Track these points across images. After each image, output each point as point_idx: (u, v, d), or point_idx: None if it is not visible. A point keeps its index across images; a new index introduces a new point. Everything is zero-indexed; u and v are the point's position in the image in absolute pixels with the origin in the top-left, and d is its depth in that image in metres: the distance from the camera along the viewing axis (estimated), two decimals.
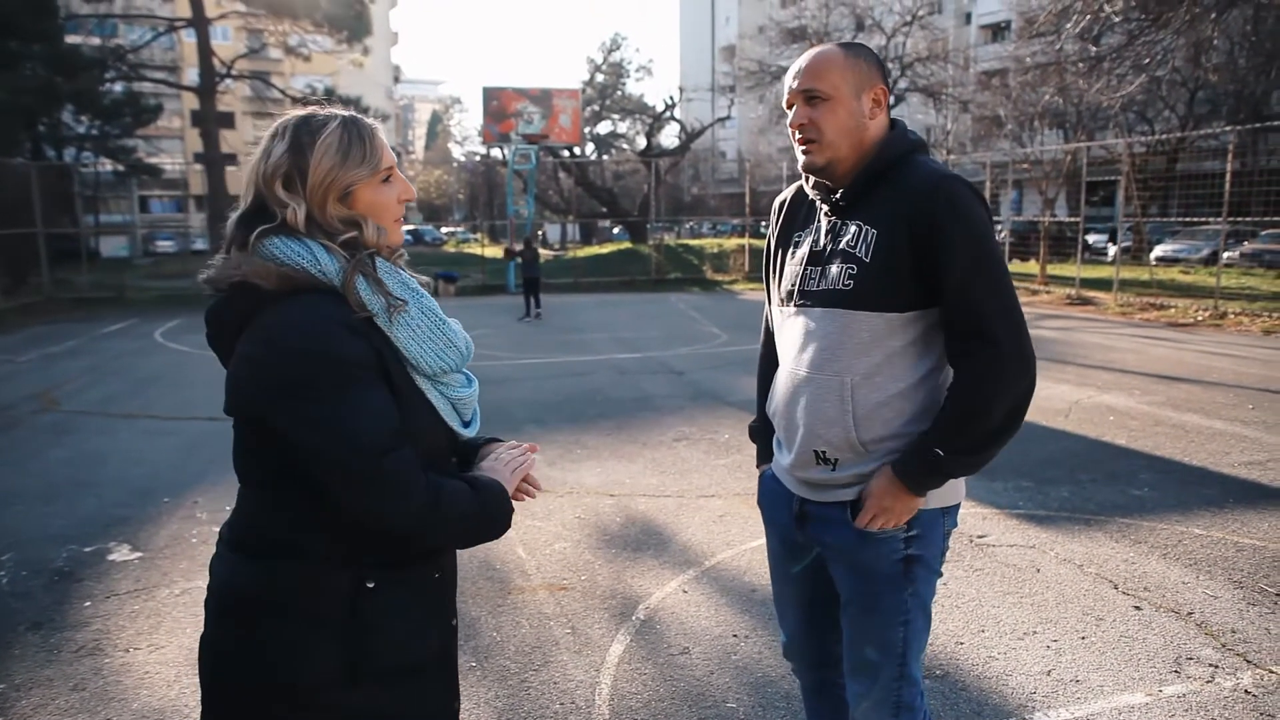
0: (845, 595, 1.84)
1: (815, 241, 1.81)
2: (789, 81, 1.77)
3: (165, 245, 41.11)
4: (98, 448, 6.39)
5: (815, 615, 1.98)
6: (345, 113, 1.37)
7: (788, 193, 1.95)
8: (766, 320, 2.06)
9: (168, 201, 52.42)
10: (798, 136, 1.75)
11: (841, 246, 1.74)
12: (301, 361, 1.23)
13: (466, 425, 1.44)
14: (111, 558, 4.21)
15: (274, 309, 1.26)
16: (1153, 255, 22.51)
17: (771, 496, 1.98)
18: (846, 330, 1.72)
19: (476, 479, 1.39)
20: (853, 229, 1.73)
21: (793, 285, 1.84)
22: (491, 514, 1.37)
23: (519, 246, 18.03)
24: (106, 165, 33.21)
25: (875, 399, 1.72)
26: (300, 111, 1.36)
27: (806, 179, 1.84)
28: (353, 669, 1.30)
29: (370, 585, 1.31)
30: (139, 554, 4.24)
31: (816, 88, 1.71)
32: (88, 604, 3.70)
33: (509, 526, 1.41)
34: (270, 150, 1.32)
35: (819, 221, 1.82)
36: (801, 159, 1.77)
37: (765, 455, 2.06)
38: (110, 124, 30.79)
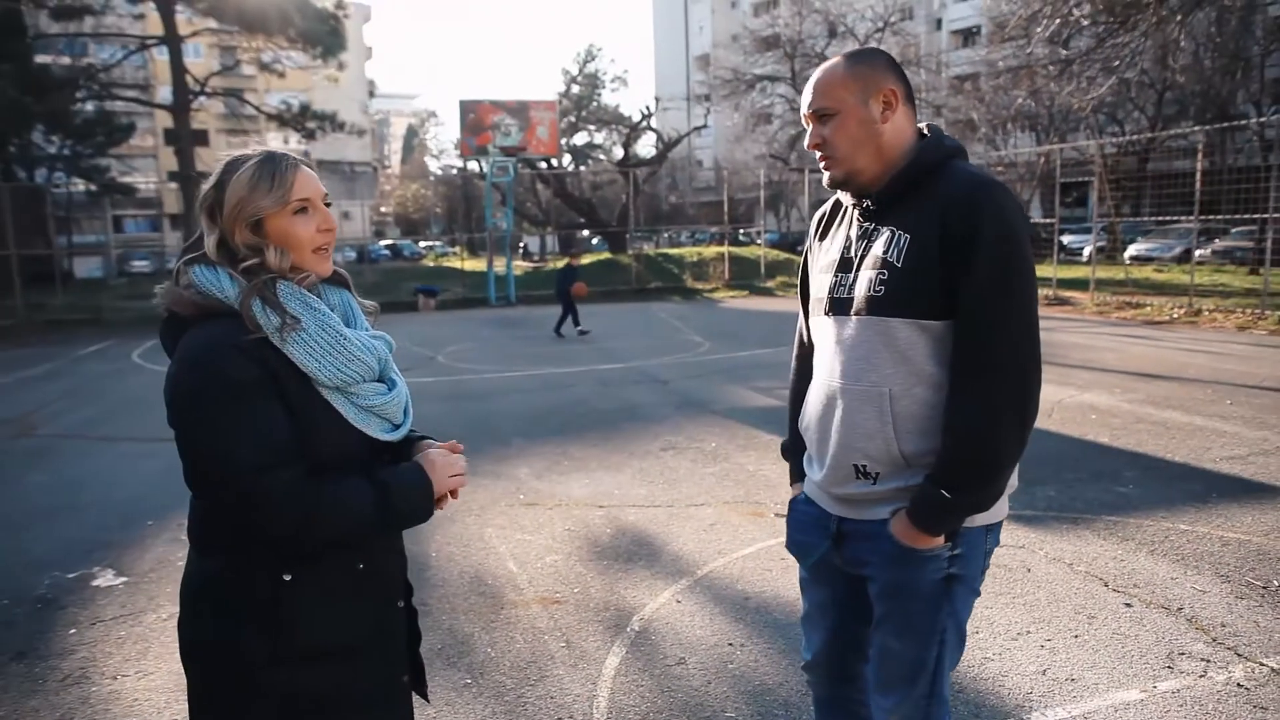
0: (881, 612, 1.78)
1: (846, 248, 1.77)
2: (802, 105, 1.76)
3: (140, 265, 40.60)
4: (78, 472, 6.30)
5: (843, 635, 1.93)
6: (270, 151, 1.50)
7: (827, 205, 1.93)
8: (800, 334, 2.01)
9: (142, 221, 51.93)
10: (817, 155, 1.75)
11: (873, 252, 1.70)
12: (191, 380, 1.38)
13: (397, 428, 1.56)
14: (96, 583, 4.14)
15: (188, 334, 1.42)
16: (1127, 254, 22.80)
17: (804, 519, 1.91)
18: (882, 337, 1.67)
19: (387, 480, 1.47)
20: (885, 234, 1.69)
21: (823, 293, 1.80)
22: (399, 510, 1.47)
23: (566, 260, 16.26)
24: (79, 185, 32.87)
25: (915, 409, 1.67)
26: (236, 153, 1.50)
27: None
28: (279, 655, 1.43)
29: (287, 578, 1.43)
30: (124, 579, 4.18)
31: (824, 105, 1.70)
32: (72, 631, 3.64)
33: (430, 515, 1.53)
34: (204, 187, 1.49)
35: (851, 228, 1.79)
36: (825, 176, 1.76)
37: (798, 475, 1.98)
38: (82, 144, 30.47)
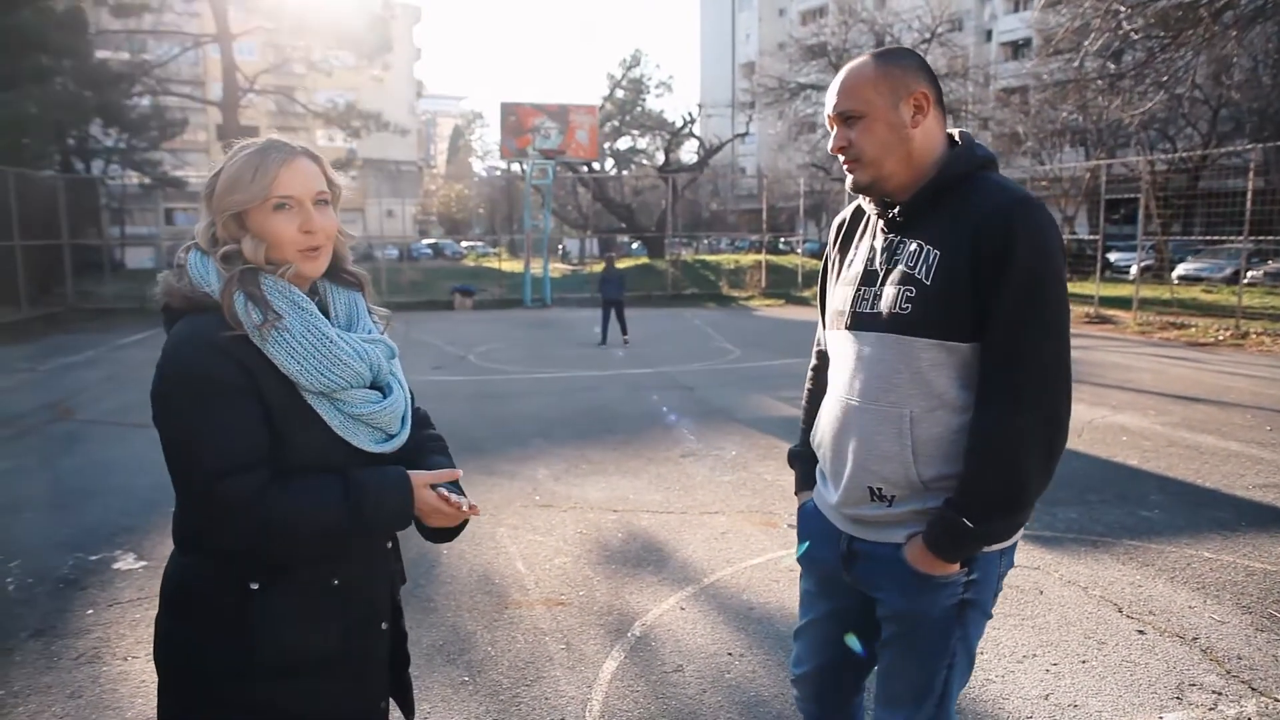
0: (889, 633, 1.73)
1: (869, 260, 1.70)
2: (826, 105, 1.70)
3: None
4: (109, 457, 6.46)
5: (839, 657, 1.88)
6: (274, 139, 1.45)
7: (846, 211, 1.87)
8: (818, 343, 1.97)
9: (192, 214, 53.06)
10: (841, 158, 1.68)
11: (899, 267, 1.62)
12: (167, 377, 1.35)
13: (391, 438, 1.48)
14: (116, 566, 4.24)
15: (175, 326, 1.39)
16: (1175, 274, 22.27)
17: (815, 531, 1.86)
18: (904, 358, 1.60)
19: (365, 484, 1.39)
20: (912, 248, 1.62)
21: (844, 306, 1.73)
22: (373, 516, 1.39)
23: (603, 266, 15.68)
24: (133, 178, 33.71)
25: (936, 433, 1.60)
26: (246, 140, 1.46)
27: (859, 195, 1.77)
28: (242, 666, 1.38)
29: (254, 587, 1.38)
30: (144, 563, 4.28)
31: (850, 107, 1.63)
32: (90, 612, 3.73)
33: (407, 523, 1.47)
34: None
35: (875, 239, 1.72)
36: (848, 179, 1.70)
37: (805, 482, 1.94)
38: (137, 137, 31.25)
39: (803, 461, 1.95)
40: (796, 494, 1.98)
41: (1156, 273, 20.34)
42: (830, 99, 1.68)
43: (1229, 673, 3.10)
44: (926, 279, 1.58)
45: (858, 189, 1.69)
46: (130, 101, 26.66)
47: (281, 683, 1.40)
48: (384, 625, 1.54)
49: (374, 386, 1.48)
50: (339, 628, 1.45)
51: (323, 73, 25.30)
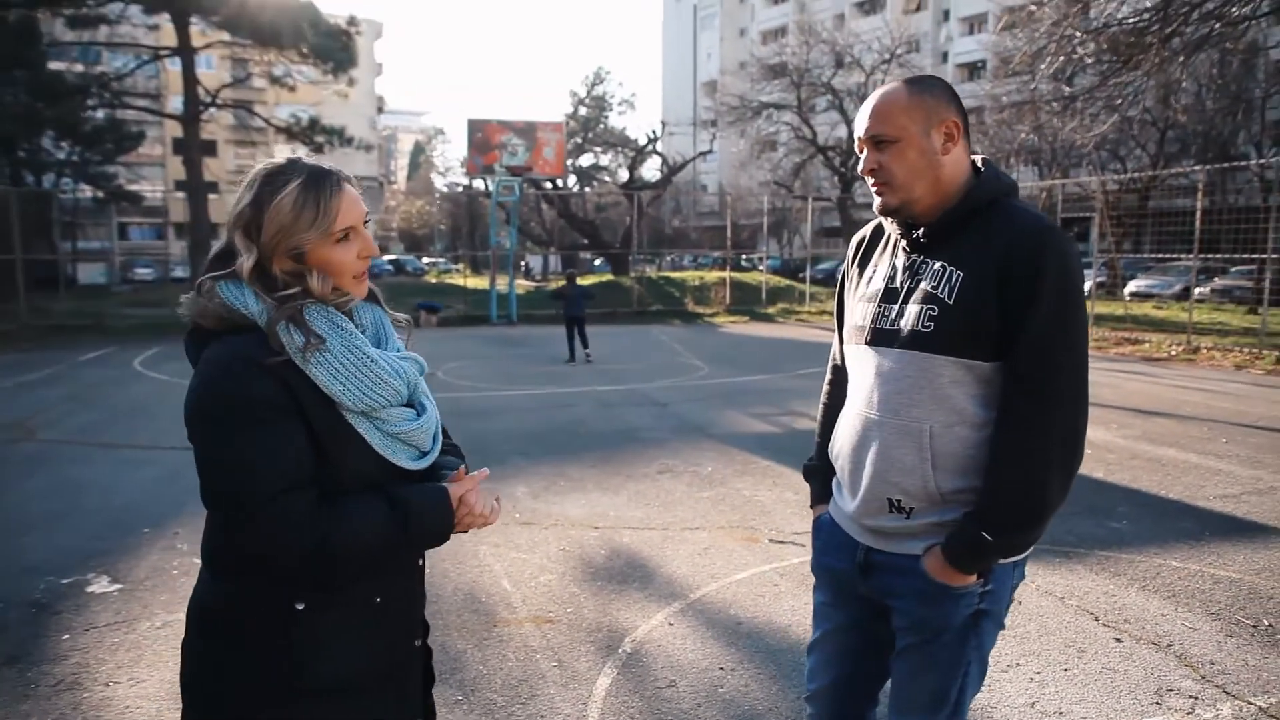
0: (905, 643, 1.76)
1: (891, 278, 1.73)
2: (857, 128, 1.72)
3: (144, 273, 40.76)
4: (75, 478, 6.32)
5: (855, 669, 1.90)
6: (315, 167, 1.42)
7: (866, 230, 1.90)
8: (834, 358, 2.00)
9: (147, 229, 52.21)
10: (870, 181, 1.71)
11: (922, 286, 1.66)
12: (210, 398, 1.33)
13: (424, 455, 1.50)
14: (90, 590, 4.15)
15: (210, 347, 1.37)
16: (1126, 290, 22.88)
17: (830, 543, 1.88)
18: (926, 374, 1.64)
19: (409, 500, 1.41)
20: (935, 268, 1.65)
21: (864, 322, 1.76)
22: (419, 533, 1.43)
23: (563, 283, 15.51)
24: (86, 191, 33.07)
25: (955, 448, 1.64)
26: (277, 162, 1.42)
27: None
28: (286, 687, 1.37)
29: (300, 607, 1.38)
30: (119, 586, 4.19)
31: (883, 132, 1.66)
32: (66, 637, 3.65)
33: (446, 539, 1.48)
34: (241, 198, 1.40)
35: (896, 258, 1.75)
36: (876, 201, 1.72)
37: (822, 496, 1.96)
38: (91, 150, 30.69)
39: (819, 475, 1.98)
40: (812, 508, 2.00)
41: (1110, 289, 20.88)
42: (862, 122, 1.70)
43: (1204, 678, 3.20)
44: (949, 298, 1.62)
45: (886, 212, 1.73)
46: (85, 114, 26.13)
47: (326, 703, 1.40)
48: (417, 643, 1.56)
49: (407, 404, 1.49)
50: (382, 645, 1.47)
51: (286, 87, 25.03)
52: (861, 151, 1.72)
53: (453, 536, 1.51)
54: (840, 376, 1.96)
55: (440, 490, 1.47)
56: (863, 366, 1.77)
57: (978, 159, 1.74)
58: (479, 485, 1.53)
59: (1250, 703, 3.01)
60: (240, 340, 1.35)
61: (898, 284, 1.72)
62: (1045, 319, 1.55)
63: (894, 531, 1.73)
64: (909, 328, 1.66)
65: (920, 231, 1.70)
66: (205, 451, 1.34)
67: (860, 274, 1.85)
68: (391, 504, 1.40)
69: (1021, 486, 1.58)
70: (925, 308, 1.64)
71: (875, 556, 1.77)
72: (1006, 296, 1.57)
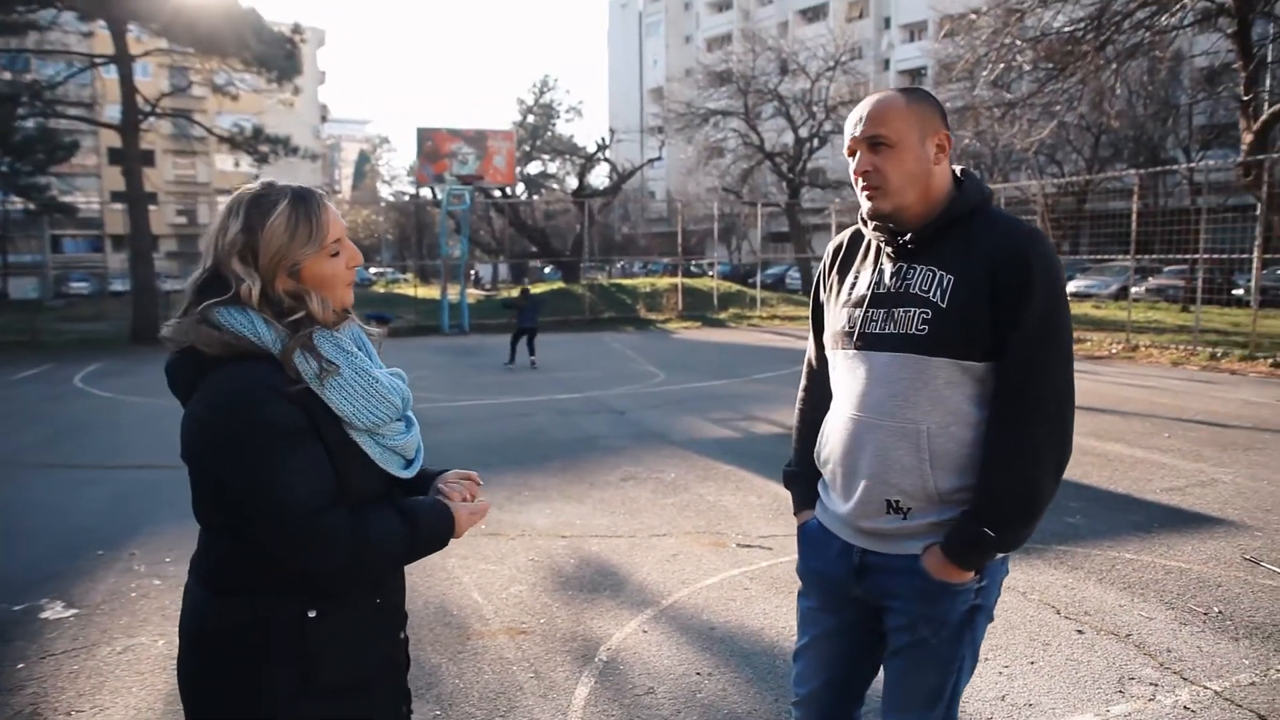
0: (900, 643, 1.78)
1: (877, 284, 1.76)
2: (850, 129, 1.73)
3: (79, 286, 39.51)
4: (21, 499, 6.10)
5: (844, 672, 1.92)
6: (295, 186, 1.49)
7: (842, 236, 1.93)
8: (809, 364, 2.02)
9: (82, 241, 50.59)
10: (861, 184, 1.72)
11: (911, 290, 1.70)
12: (235, 423, 1.36)
13: (410, 465, 1.58)
14: (44, 615, 4.02)
15: (218, 373, 1.39)
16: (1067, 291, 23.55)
17: (819, 547, 1.89)
18: (921, 376, 1.68)
19: (416, 510, 1.51)
20: (924, 273, 1.69)
21: (851, 327, 1.78)
22: (426, 539, 1.52)
23: (515, 293, 15.99)
24: (17, 204, 31.95)
25: (951, 447, 1.68)
26: (253, 188, 1.48)
27: (865, 222, 1.81)
28: (302, 691, 1.43)
29: (312, 615, 1.44)
30: (74, 611, 4.06)
31: (881, 134, 1.68)
32: (20, 666, 3.53)
33: (446, 544, 1.57)
34: (227, 227, 1.43)
35: (880, 264, 1.78)
36: (865, 205, 1.74)
37: (806, 502, 1.97)
38: (21, 161, 29.62)
39: (801, 481, 1.98)
40: (797, 514, 2.00)
41: None
42: (857, 125, 1.72)
43: (1162, 665, 3.32)
44: (943, 301, 1.66)
45: (877, 217, 1.74)
46: (14, 123, 25.24)
47: (335, 701, 1.47)
48: (403, 635, 1.66)
49: (399, 418, 1.57)
50: (386, 643, 1.59)
51: (228, 96, 24.49)
52: (853, 155, 1.73)
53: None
54: (817, 381, 1.97)
55: (437, 500, 1.58)
56: (851, 371, 1.79)
57: (957, 169, 1.79)
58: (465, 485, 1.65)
59: (1206, 687, 3.13)
60: (258, 367, 1.40)
61: (884, 289, 1.74)
62: (1036, 320, 1.61)
63: (891, 533, 1.75)
64: (899, 330, 1.70)
65: (907, 238, 1.73)
66: (232, 475, 1.37)
67: (841, 281, 1.87)
68: (400, 513, 1.49)
69: (1018, 484, 1.63)
70: (918, 311, 1.68)
71: (871, 558, 1.78)
72: (998, 298, 1.62)
